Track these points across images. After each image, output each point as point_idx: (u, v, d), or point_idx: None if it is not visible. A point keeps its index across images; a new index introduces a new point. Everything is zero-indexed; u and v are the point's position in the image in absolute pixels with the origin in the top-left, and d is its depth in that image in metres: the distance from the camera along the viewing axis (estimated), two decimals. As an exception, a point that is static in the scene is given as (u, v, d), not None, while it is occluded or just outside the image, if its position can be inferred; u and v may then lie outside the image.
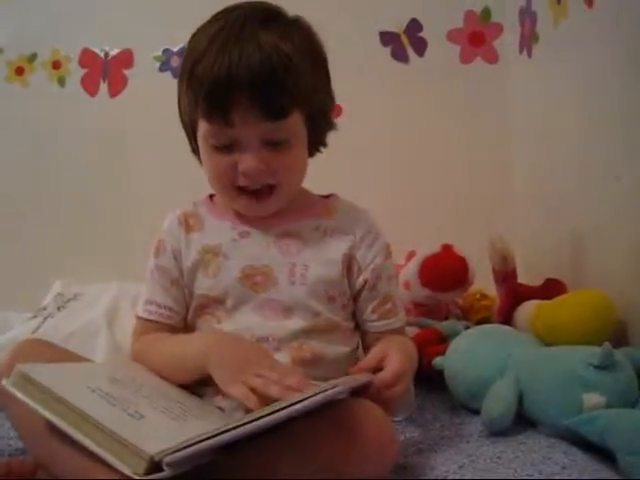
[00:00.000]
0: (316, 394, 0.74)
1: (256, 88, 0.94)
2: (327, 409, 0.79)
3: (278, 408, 0.72)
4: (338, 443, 0.79)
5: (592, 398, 0.98)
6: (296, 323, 1.02)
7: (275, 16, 1.03)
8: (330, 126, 1.11)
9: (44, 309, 1.61)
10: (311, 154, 1.10)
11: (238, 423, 0.70)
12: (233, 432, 0.69)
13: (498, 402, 1.04)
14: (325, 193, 1.15)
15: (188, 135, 1.08)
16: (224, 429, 0.69)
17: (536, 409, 1.05)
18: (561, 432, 0.98)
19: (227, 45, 0.96)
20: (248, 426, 0.70)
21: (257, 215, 1.07)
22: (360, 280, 1.07)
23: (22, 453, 0.98)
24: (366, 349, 1.10)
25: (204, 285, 1.05)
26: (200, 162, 1.08)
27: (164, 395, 0.89)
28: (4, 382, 0.79)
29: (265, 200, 1.03)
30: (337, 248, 1.06)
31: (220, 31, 0.99)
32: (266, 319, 1.02)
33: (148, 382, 0.92)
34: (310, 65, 1.02)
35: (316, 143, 1.10)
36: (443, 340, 1.36)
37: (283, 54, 0.96)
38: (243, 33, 0.97)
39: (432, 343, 1.34)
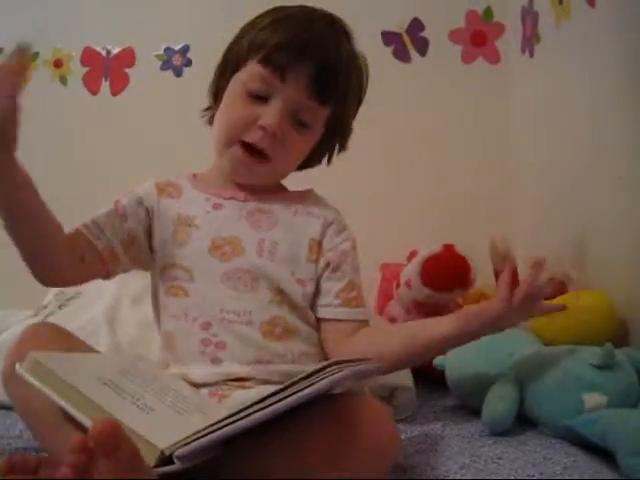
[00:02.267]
0: (323, 378, 0.73)
1: (324, 65, 1.02)
2: (326, 404, 0.79)
3: (284, 396, 0.71)
4: (337, 439, 0.78)
5: (593, 398, 0.98)
6: (265, 294, 1.02)
7: (353, 37, 1.14)
8: (342, 146, 1.16)
9: (45, 307, 1.61)
10: (312, 162, 1.14)
11: (245, 413, 0.69)
12: (240, 423, 0.68)
13: (499, 402, 1.04)
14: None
15: (222, 73, 1.10)
16: (232, 419, 0.69)
17: (537, 409, 1.05)
18: (562, 432, 0.98)
19: (312, 27, 1.05)
20: (257, 415, 0.69)
21: (240, 177, 1.08)
22: (322, 262, 1.07)
23: (23, 452, 0.98)
24: (324, 344, 1.06)
25: (173, 253, 1.05)
26: (215, 101, 1.11)
27: (173, 390, 0.89)
28: (17, 367, 0.79)
29: (255, 164, 1.05)
30: (305, 230, 1.07)
31: (306, 15, 1.09)
32: (236, 290, 1.01)
33: (156, 376, 0.92)
34: (358, 90, 1.14)
35: (323, 152, 1.14)
36: (444, 340, 1.36)
37: (352, 60, 1.09)
38: (331, 29, 1.08)
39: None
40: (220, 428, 0.68)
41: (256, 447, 0.76)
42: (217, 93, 1.10)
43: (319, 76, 1.01)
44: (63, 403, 0.74)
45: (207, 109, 1.15)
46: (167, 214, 1.07)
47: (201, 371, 0.99)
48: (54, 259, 1.00)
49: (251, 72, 1.03)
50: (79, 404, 0.74)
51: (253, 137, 1.03)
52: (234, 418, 0.69)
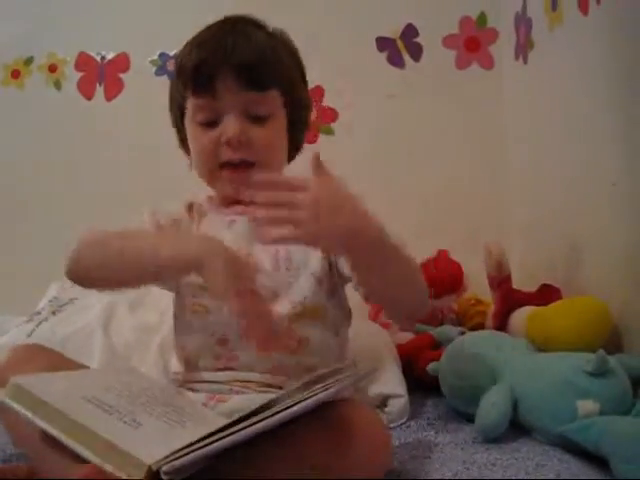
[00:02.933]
0: (311, 396, 0.74)
1: (239, 60, 1.03)
2: (320, 411, 0.79)
3: (275, 412, 0.72)
4: (331, 445, 0.79)
5: (586, 405, 0.98)
6: (283, 307, 1.02)
7: (262, 24, 1.13)
8: (305, 124, 1.17)
9: (39, 313, 1.61)
10: (295, 144, 1.15)
11: (235, 428, 0.70)
12: (230, 438, 0.69)
13: (492, 408, 1.04)
14: None
15: (177, 127, 1.14)
16: (221, 435, 0.69)
17: (530, 416, 1.05)
18: (555, 439, 0.98)
19: (216, 34, 1.07)
20: (246, 431, 0.69)
21: (239, 196, 1.06)
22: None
23: (17, 459, 0.97)
24: None
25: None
26: (187, 153, 1.13)
27: (161, 401, 0.88)
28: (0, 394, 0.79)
29: (244, 173, 1.05)
30: None
31: (209, 29, 1.10)
32: None
33: (145, 389, 0.92)
34: (291, 60, 1.12)
35: (295, 139, 1.14)
36: (438, 346, 1.37)
37: (268, 40, 1.08)
38: (232, 26, 1.08)
39: (427, 349, 1.35)
40: (208, 444, 0.68)
41: (250, 454, 0.76)
42: (185, 145, 1.13)
43: (242, 70, 1.03)
44: (45, 426, 0.74)
45: (190, 165, 1.15)
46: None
47: (211, 375, 1.00)
48: None
49: (192, 107, 1.07)
50: (63, 426, 0.73)
51: (226, 155, 1.05)
52: (222, 434, 0.69)
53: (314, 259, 1.05)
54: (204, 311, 1.04)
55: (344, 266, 1.04)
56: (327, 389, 0.77)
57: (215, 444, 0.68)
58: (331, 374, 0.80)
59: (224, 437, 0.69)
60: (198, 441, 0.68)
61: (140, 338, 1.43)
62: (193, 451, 0.67)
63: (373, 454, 0.84)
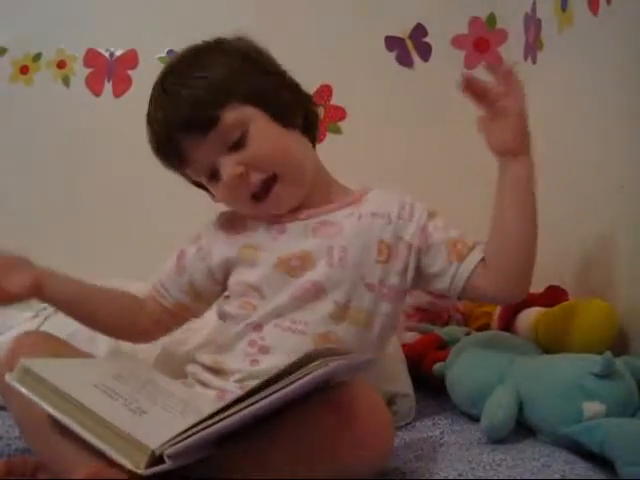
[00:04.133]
0: (309, 373, 0.73)
1: (176, 122, 1.02)
2: (321, 393, 0.79)
3: (275, 390, 0.71)
4: (332, 427, 0.79)
5: (592, 407, 0.98)
6: (327, 307, 1.01)
7: (188, 56, 1.09)
8: (290, 99, 1.10)
9: (45, 308, 1.61)
10: (310, 140, 1.13)
11: (235, 409, 0.69)
12: (231, 419, 0.69)
13: (498, 409, 1.04)
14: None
15: (202, 188, 1.15)
16: (223, 416, 0.69)
17: (536, 417, 1.05)
18: (561, 440, 0.98)
19: (150, 114, 1.09)
20: (245, 410, 0.69)
21: (280, 211, 1.08)
22: (413, 255, 1.07)
23: (22, 454, 0.98)
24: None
25: (241, 273, 1.07)
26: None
27: (167, 392, 0.89)
28: (7, 376, 0.79)
29: (270, 193, 1.05)
30: (373, 233, 1.06)
31: (150, 101, 1.10)
32: (298, 299, 1.01)
33: (151, 379, 0.92)
34: (235, 60, 1.06)
35: (290, 122, 1.09)
36: (444, 346, 1.36)
37: (200, 81, 1.03)
38: (162, 85, 1.07)
39: (433, 349, 1.35)
40: (209, 426, 0.68)
41: (252, 436, 0.76)
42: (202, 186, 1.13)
43: (185, 125, 1.02)
44: (50, 409, 0.75)
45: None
46: (233, 245, 1.09)
47: (236, 365, 1.00)
48: (134, 329, 1.11)
49: (194, 177, 1.10)
50: (67, 409, 0.74)
51: (244, 193, 1.05)
52: (222, 415, 0.69)
53: (368, 263, 1.04)
54: (251, 309, 1.04)
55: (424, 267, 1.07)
56: (325, 365, 0.77)
57: (217, 425, 0.68)
58: (327, 353, 0.80)
59: (224, 418, 0.69)
60: (199, 423, 0.69)
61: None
62: (195, 433, 0.67)
63: (375, 435, 0.83)
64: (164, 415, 0.80)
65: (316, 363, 0.75)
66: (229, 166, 1.02)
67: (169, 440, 0.67)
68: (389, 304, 1.06)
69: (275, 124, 1.06)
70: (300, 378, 0.72)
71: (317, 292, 1.02)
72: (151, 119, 1.07)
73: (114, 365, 0.96)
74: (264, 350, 1.00)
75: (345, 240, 1.05)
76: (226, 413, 0.69)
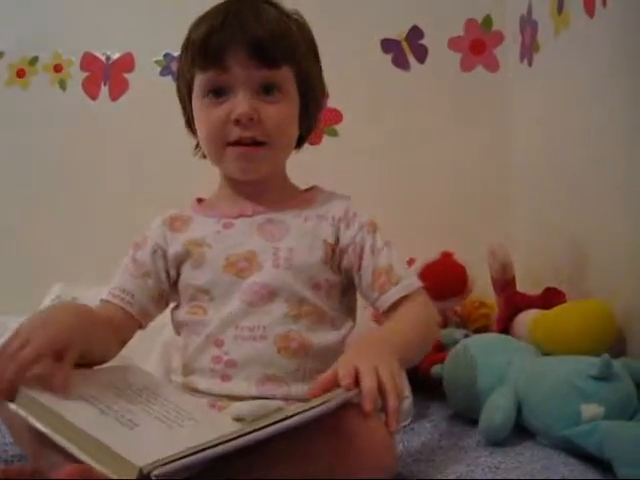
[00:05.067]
0: (309, 409, 0.74)
1: (251, 35, 1.00)
2: (320, 419, 0.79)
3: (271, 423, 0.72)
4: (332, 453, 0.78)
5: (590, 409, 0.98)
6: (281, 307, 1.01)
7: (274, 1, 1.09)
8: (318, 107, 1.13)
9: (42, 312, 1.60)
10: (302, 138, 1.13)
11: (228, 437, 0.69)
12: (222, 446, 0.69)
13: (497, 412, 1.04)
14: (307, 187, 1.16)
15: (183, 104, 1.12)
16: (213, 443, 0.69)
17: (534, 419, 1.05)
18: (559, 442, 0.98)
19: (225, 9, 1.03)
20: (238, 440, 0.69)
21: (245, 173, 1.07)
22: (345, 263, 1.07)
23: (19, 459, 0.97)
24: None
25: (189, 275, 1.06)
26: (194, 133, 1.11)
27: (162, 400, 0.88)
28: None
29: (253, 152, 1.04)
30: (318, 233, 1.06)
31: (218, 6, 1.06)
32: (250, 305, 1.01)
33: (146, 387, 0.92)
34: (303, 38, 1.08)
35: (306, 120, 1.11)
36: (442, 348, 1.36)
37: (279, 18, 1.04)
38: (243, 3, 1.05)
39: (431, 351, 1.34)
40: (202, 450, 0.68)
41: (249, 463, 0.75)
42: (191, 123, 1.11)
43: (254, 44, 1.00)
44: (40, 426, 0.74)
45: (196, 146, 1.15)
46: (179, 242, 1.07)
47: (208, 384, 1.00)
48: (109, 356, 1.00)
49: (200, 83, 1.04)
50: (57, 427, 0.74)
51: (235, 134, 1.02)
52: (217, 441, 0.69)
53: (314, 264, 1.04)
54: (202, 313, 1.04)
55: (358, 280, 1.06)
56: (326, 402, 0.77)
57: (206, 451, 0.68)
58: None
59: (216, 445, 0.68)
60: (190, 448, 0.68)
61: (142, 339, 1.42)
62: (184, 457, 0.67)
63: (376, 460, 0.83)
64: (157, 426, 0.80)
65: (318, 400, 0.76)
66: (248, 103, 1.01)
67: (159, 460, 0.67)
68: (340, 297, 1.07)
69: (297, 113, 1.08)
70: (300, 413, 0.73)
71: (268, 294, 1.01)
72: (219, 14, 1.03)
73: (107, 375, 0.95)
74: (230, 364, 0.99)
75: (291, 241, 1.05)
76: (220, 440, 0.69)
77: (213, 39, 1.01)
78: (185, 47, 1.08)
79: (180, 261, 1.07)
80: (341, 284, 1.08)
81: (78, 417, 0.75)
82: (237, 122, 1.01)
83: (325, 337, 1.03)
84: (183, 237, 1.08)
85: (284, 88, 1.04)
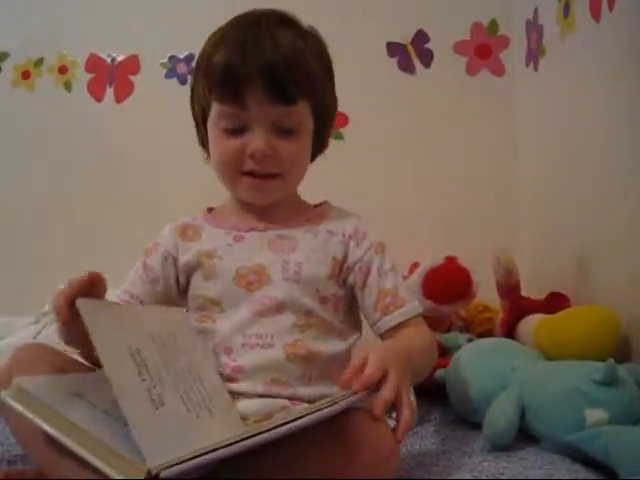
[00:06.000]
0: (316, 411, 0.74)
1: (269, 72, 0.99)
2: (326, 421, 0.79)
3: (278, 424, 0.72)
4: (337, 455, 0.79)
5: (595, 414, 0.97)
6: (288, 318, 1.02)
7: (290, 20, 1.08)
8: (330, 130, 1.14)
9: (45, 314, 1.61)
10: (313, 155, 1.13)
11: (237, 438, 0.69)
12: (231, 447, 0.69)
13: (500, 417, 1.04)
14: (318, 202, 1.16)
15: (197, 124, 1.12)
16: (223, 444, 0.69)
17: (538, 424, 1.04)
18: (563, 448, 0.98)
19: (244, 35, 1.02)
20: (247, 442, 0.69)
21: (256, 200, 1.08)
22: (350, 280, 1.07)
23: (22, 460, 0.97)
24: None
25: (200, 286, 1.06)
26: (207, 153, 1.11)
27: (194, 376, 0.89)
28: (3, 394, 0.79)
29: (267, 184, 1.05)
30: (327, 250, 1.07)
31: (236, 26, 1.05)
32: (259, 315, 1.02)
33: (187, 350, 0.93)
34: (319, 64, 1.07)
35: (320, 141, 1.12)
36: (445, 352, 1.36)
37: (296, 46, 1.03)
38: (260, 27, 1.03)
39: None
40: (211, 451, 0.68)
41: (255, 463, 0.75)
42: (204, 143, 1.12)
43: (271, 82, 0.99)
44: (46, 427, 0.74)
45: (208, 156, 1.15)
46: (190, 252, 1.08)
47: None
48: None
49: (216, 113, 1.05)
50: (64, 428, 0.74)
51: (250, 166, 1.04)
52: (226, 442, 0.69)
53: (322, 279, 1.05)
54: (211, 322, 1.04)
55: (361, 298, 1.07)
56: (333, 404, 0.77)
57: (215, 452, 0.68)
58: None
59: (225, 446, 0.68)
60: (199, 450, 0.68)
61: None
62: (193, 458, 0.67)
63: (380, 464, 0.83)
64: (179, 411, 0.80)
65: (324, 401, 0.76)
66: (265, 141, 1.02)
67: (167, 462, 0.66)
68: (347, 310, 1.09)
69: (311, 143, 1.09)
70: (306, 415, 0.73)
71: (276, 306, 1.02)
72: (236, 41, 1.02)
73: (158, 324, 0.95)
74: (238, 369, 0.99)
75: (300, 256, 1.05)
76: (229, 441, 0.69)
77: (232, 74, 1.00)
78: (199, 67, 1.07)
79: (191, 271, 1.08)
80: (346, 298, 1.09)
81: (81, 417, 0.75)
82: (252, 156, 1.03)
83: (332, 346, 1.03)
84: (194, 247, 1.09)
85: (301, 124, 1.05)
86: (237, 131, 1.03)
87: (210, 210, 1.16)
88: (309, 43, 1.07)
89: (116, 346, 0.81)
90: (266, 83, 0.99)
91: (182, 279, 1.09)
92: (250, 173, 1.04)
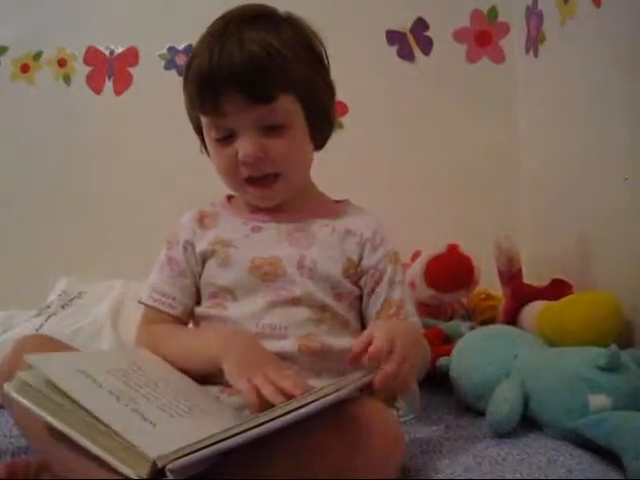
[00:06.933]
0: (318, 399, 0.73)
1: (240, 76, 0.98)
2: (331, 409, 0.78)
3: (283, 412, 0.71)
4: (343, 442, 0.78)
5: (598, 400, 0.97)
6: (303, 312, 1.02)
7: (262, 15, 1.06)
8: (329, 116, 1.12)
9: (48, 307, 1.61)
10: (316, 147, 1.12)
11: (243, 428, 0.69)
12: (238, 437, 0.68)
13: (503, 403, 1.03)
14: (339, 198, 1.16)
15: (197, 133, 1.12)
16: (229, 434, 0.68)
17: (542, 411, 1.04)
18: (567, 434, 0.98)
19: (212, 44, 1.01)
20: (253, 431, 0.69)
21: (265, 204, 1.09)
22: (361, 282, 1.08)
23: (25, 451, 0.98)
24: None
25: (213, 274, 1.07)
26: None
27: (173, 388, 0.88)
28: (6, 387, 0.78)
29: (270, 187, 1.05)
30: (343, 249, 1.08)
31: (208, 36, 1.05)
32: (273, 305, 1.02)
33: (157, 374, 0.92)
34: (299, 54, 1.04)
35: (317, 134, 1.10)
36: (448, 340, 1.36)
37: (265, 43, 1.00)
38: (226, 32, 1.01)
39: (437, 343, 1.34)
40: (218, 441, 0.67)
41: (260, 452, 0.75)
42: (207, 151, 1.12)
43: (244, 85, 0.98)
44: (50, 419, 0.74)
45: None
46: (206, 239, 1.09)
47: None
48: None
49: (205, 124, 1.05)
50: (68, 418, 0.73)
51: (245, 171, 1.04)
52: (229, 433, 0.68)
53: (336, 276, 1.05)
54: (223, 309, 1.04)
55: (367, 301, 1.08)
56: (339, 390, 0.77)
57: (222, 443, 0.67)
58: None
59: (231, 436, 0.68)
60: (205, 439, 0.68)
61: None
62: (200, 449, 0.66)
63: (386, 452, 0.83)
64: (171, 417, 0.79)
65: (327, 387, 0.76)
66: (252, 144, 1.01)
67: (173, 453, 0.66)
68: (353, 311, 1.09)
69: (307, 134, 1.07)
70: (310, 403, 0.72)
71: (292, 299, 1.02)
72: (205, 52, 1.01)
73: (118, 360, 0.95)
74: None
75: (316, 251, 1.06)
76: (234, 431, 0.69)
77: (205, 85, 1.01)
78: (184, 79, 1.07)
79: (205, 258, 1.08)
80: (360, 297, 1.09)
81: (89, 401, 0.74)
82: (244, 163, 1.02)
83: (345, 341, 1.03)
84: (211, 234, 1.09)
85: (288, 118, 1.03)
86: (227, 139, 1.03)
87: (229, 198, 1.16)
88: (283, 33, 1.04)
89: (79, 385, 0.78)
90: (239, 87, 0.98)
91: (199, 267, 1.09)
92: (250, 179, 1.05)
